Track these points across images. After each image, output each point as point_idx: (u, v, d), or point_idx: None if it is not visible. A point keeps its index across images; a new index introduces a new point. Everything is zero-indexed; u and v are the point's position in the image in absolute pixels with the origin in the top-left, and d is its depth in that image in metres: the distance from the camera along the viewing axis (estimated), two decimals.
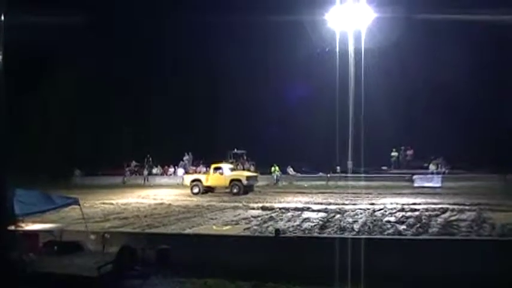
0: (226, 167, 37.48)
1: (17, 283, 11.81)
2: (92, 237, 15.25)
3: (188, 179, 38.01)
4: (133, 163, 49.41)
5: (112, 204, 30.18)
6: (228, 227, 21.25)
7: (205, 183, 36.31)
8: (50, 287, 11.86)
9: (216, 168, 36.81)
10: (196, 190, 36.12)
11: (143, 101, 51.52)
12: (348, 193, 33.29)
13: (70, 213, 19.44)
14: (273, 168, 42.58)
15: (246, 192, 35.03)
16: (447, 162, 40.04)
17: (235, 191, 35.03)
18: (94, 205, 28.81)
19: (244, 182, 35.42)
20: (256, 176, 38.40)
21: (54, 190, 18.45)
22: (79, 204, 14.67)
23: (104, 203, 30.24)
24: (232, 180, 35.68)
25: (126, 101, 50.73)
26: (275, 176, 42.38)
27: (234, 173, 37.35)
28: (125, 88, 50.80)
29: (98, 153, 47.46)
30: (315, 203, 28.13)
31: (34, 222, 14.92)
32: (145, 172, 47.32)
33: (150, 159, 48.49)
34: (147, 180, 46.38)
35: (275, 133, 45.74)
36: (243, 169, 41.87)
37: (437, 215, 22.36)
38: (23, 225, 14.20)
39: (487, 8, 33.88)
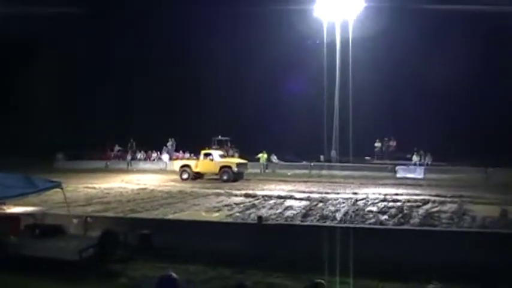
0: (216, 153, 36.97)
1: None
2: (74, 221, 15.22)
3: (177, 164, 37.54)
4: (117, 147, 49.12)
5: (95, 188, 30.07)
6: (216, 214, 21.29)
7: (194, 169, 35.91)
8: (31, 270, 11.83)
9: (206, 154, 36.41)
10: (185, 176, 35.80)
11: (126, 85, 51.14)
12: (331, 182, 33.42)
13: (52, 196, 19.32)
14: (260, 155, 41.99)
15: (235, 180, 34.72)
16: (430, 154, 40.28)
17: (225, 177, 34.70)
18: (77, 189, 28.64)
19: (235, 169, 35.13)
20: (246, 164, 37.79)
21: (37, 173, 18.30)
22: (62, 188, 14.60)
23: (86, 187, 30.12)
24: (222, 167, 35.34)
25: (109, 85, 50.31)
26: (263, 164, 41.80)
27: (224, 159, 36.94)
28: (108, 72, 50.39)
29: (81, 137, 47.06)
30: (298, 191, 28.19)
31: (16, 205, 14.83)
32: (129, 157, 47.06)
33: (134, 144, 48.26)
34: (130, 165, 46.08)
35: (259, 121, 45.70)
36: (227, 155, 41.55)
37: (418, 206, 22.55)
38: (4, 208, 14.15)
39: None
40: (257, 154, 42.08)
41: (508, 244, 12.53)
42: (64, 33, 46.84)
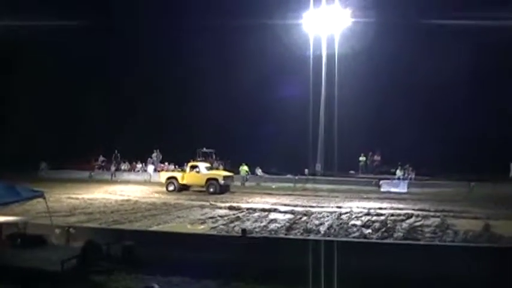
0: (202, 165, 36.78)
1: None
2: (57, 231, 15.11)
3: (164, 176, 37.34)
4: (101, 158, 48.79)
5: (78, 198, 29.82)
6: (201, 227, 21.24)
7: (181, 181, 35.71)
8: (13, 280, 11.70)
9: (193, 167, 36.27)
10: (171, 188, 35.60)
11: (111, 96, 50.78)
12: (316, 196, 33.43)
13: (35, 206, 19.21)
14: (241, 168, 41.92)
15: (222, 192, 34.55)
16: (414, 169, 40.49)
17: (211, 190, 34.50)
18: (60, 199, 28.45)
19: (221, 181, 35.03)
20: (232, 176, 37.72)
21: (19, 182, 18.15)
22: (44, 198, 14.50)
23: (70, 197, 29.89)
24: (208, 179, 35.18)
25: (94, 96, 50.02)
26: (243, 176, 41.46)
27: (211, 172, 36.72)
28: (93, 82, 50.17)
29: (65, 147, 46.71)
30: (282, 205, 28.17)
31: None
32: (113, 168, 46.74)
33: (118, 154, 47.94)
34: (115, 176, 45.76)
35: (245, 133, 45.59)
36: (211, 168, 41.33)
37: (402, 220, 22.63)
38: None
39: (463, 11, 34.59)
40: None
41: (490, 258, 12.61)
42: (48, 42, 46.45)
